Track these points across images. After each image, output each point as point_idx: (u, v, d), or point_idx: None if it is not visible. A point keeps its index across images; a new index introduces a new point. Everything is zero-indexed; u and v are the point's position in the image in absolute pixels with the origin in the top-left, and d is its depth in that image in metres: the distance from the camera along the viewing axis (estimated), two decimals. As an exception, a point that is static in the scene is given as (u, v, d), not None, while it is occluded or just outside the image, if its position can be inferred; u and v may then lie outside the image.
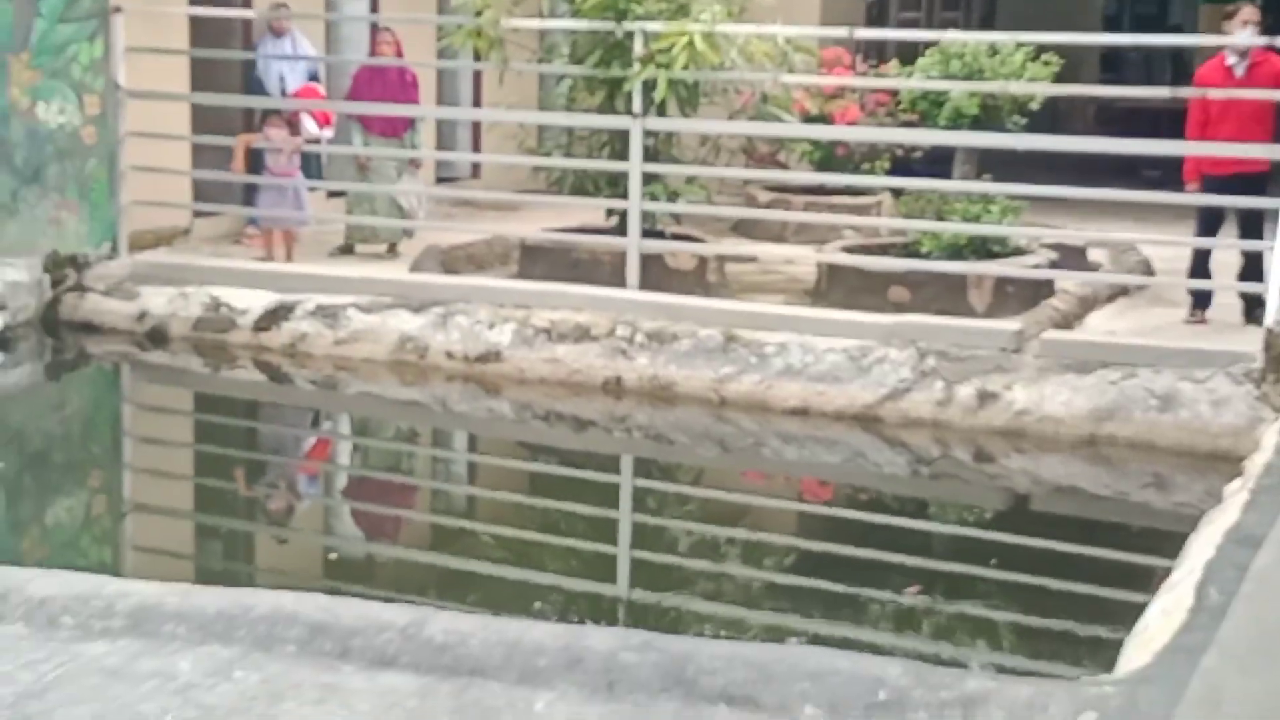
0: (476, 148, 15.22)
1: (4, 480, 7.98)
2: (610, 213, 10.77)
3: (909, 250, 10.56)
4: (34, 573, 4.88)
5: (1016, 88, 10.32)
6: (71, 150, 10.75)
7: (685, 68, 9.71)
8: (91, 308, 10.48)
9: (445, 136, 15.33)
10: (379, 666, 4.21)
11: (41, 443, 8.91)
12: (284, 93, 12.32)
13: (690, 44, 9.63)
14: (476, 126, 15.35)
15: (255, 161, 11.54)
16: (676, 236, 10.85)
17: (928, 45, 10.97)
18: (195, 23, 12.18)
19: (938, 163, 11.75)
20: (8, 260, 10.24)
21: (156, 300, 10.35)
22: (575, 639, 4.24)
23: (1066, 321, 9.63)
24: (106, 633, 4.44)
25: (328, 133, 12.31)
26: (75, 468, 8.48)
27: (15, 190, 10.40)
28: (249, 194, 11.84)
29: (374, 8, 14.10)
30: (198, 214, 12.17)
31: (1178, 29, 25.17)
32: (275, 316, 10.03)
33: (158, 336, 10.25)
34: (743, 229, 13.41)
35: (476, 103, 15.10)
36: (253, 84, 12.55)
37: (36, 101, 10.50)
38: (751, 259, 12.00)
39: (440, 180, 14.74)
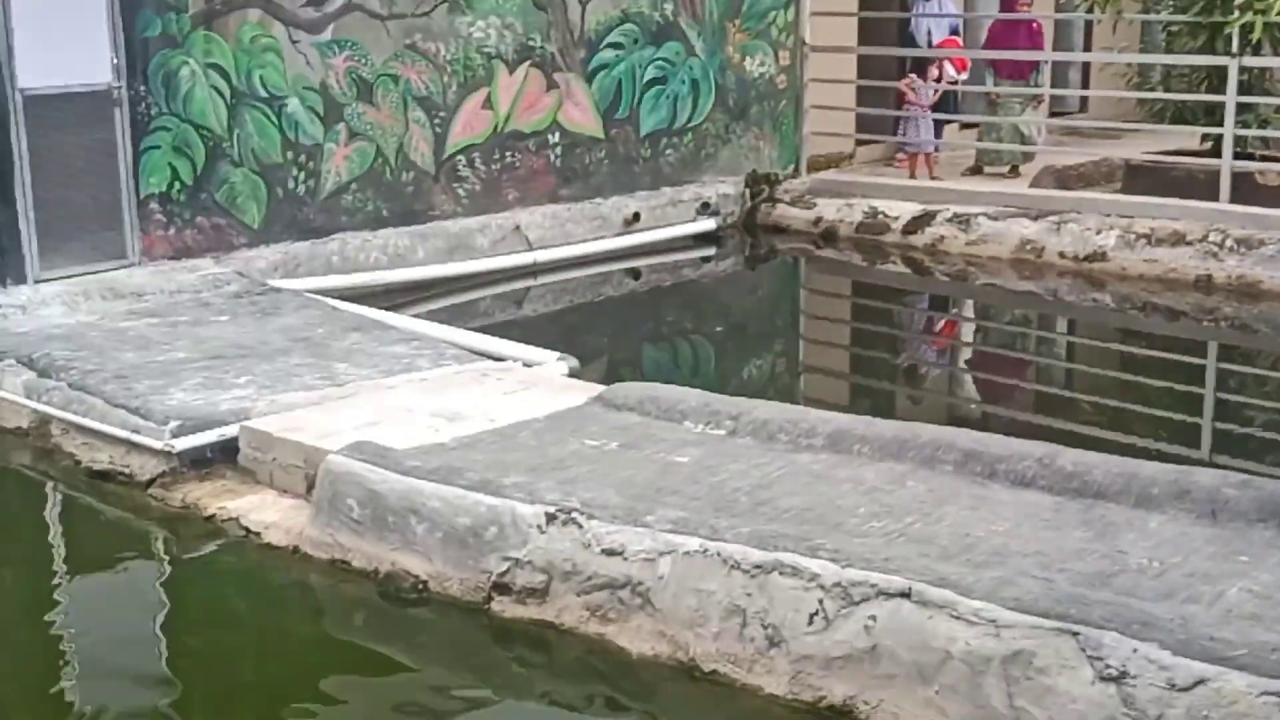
0: (1085, 85, 14.66)
1: (715, 340, 8.67)
2: (1204, 139, 10.18)
3: None
4: (756, 402, 5.34)
5: None
6: (768, 94, 11.29)
7: (1281, 12, 9.03)
8: (779, 215, 11.01)
9: (1058, 76, 14.86)
10: (1020, 486, 4.35)
11: (741, 316, 9.54)
12: (931, 44, 12.35)
13: (1288, -9, 8.94)
14: (1086, 67, 14.77)
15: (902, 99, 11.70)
16: (1265, 159, 10.11)
17: None
18: (864, -10, 12.43)
19: None
20: (721, 178, 10.93)
21: (828, 209, 10.73)
22: (1183, 475, 4.22)
23: None
24: (810, 448, 4.83)
25: (964, 75, 12.24)
26: (765, 336, 9.03)
27: (727, 125, 11.05)
28: (898, 126, 12.02)
29: (1005, -27, 13.81)
30: (859, 142, 12.47)
31: None
32: (920, 222, 10.19)
33: (828, 237, 10.65)
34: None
35: (1087, 47, 14.52)
36: (906, 38, 12.65)
37: (745, 56, 11.08)
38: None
39: (1053, 114, 14.32)
